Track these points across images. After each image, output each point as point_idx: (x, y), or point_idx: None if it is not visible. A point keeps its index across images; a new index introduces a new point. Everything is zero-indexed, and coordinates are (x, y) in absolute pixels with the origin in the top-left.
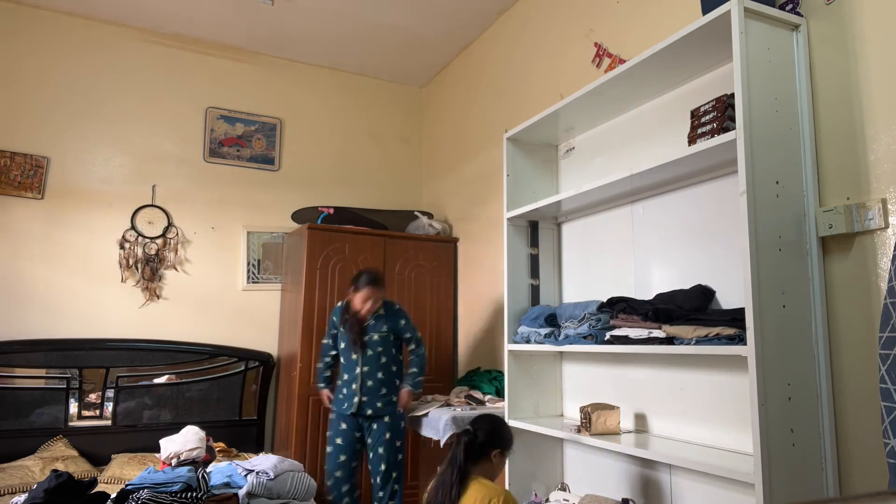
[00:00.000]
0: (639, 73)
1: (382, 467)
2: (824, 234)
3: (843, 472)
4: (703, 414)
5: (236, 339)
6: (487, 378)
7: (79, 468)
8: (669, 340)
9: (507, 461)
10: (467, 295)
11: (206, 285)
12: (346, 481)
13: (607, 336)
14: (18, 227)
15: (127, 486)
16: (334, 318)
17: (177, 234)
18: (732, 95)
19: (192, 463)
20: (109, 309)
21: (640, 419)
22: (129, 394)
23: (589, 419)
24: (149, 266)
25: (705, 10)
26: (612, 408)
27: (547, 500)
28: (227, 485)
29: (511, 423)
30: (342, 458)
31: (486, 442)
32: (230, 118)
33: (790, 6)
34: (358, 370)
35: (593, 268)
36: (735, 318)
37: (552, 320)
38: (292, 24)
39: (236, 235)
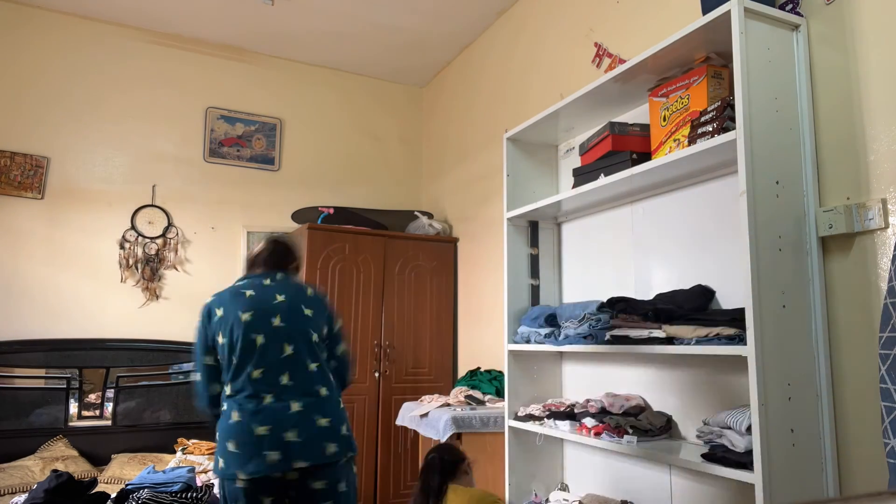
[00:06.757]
0: (639, 72)
1: None
2: (824, 234)
3: (843, 472)
4: (702, 414)
5: None
6: (487, 378)
7: (79, 468)
8: (669, 340)
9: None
10: (467, 295)
11: (207, 285)
12: None
13: (607, 336)
14: (18, 227)
15: (127, 486)
16: None
17: (177, 234)
18: (732, 95)
19: None
20: (109, 309)
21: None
22: (129, 394)
23: None
24: (149, 266)
25: (705, 10)
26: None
27: (547, 500)
28: None
29: (511, 423)
30: None
31: (455, 459)
32: (230, 118)
33: (790, 6)
34: None
35: (593, 268)
36: (735, 318)
37: (552, 320)
38: (292, 24)
39: (236, 235)
